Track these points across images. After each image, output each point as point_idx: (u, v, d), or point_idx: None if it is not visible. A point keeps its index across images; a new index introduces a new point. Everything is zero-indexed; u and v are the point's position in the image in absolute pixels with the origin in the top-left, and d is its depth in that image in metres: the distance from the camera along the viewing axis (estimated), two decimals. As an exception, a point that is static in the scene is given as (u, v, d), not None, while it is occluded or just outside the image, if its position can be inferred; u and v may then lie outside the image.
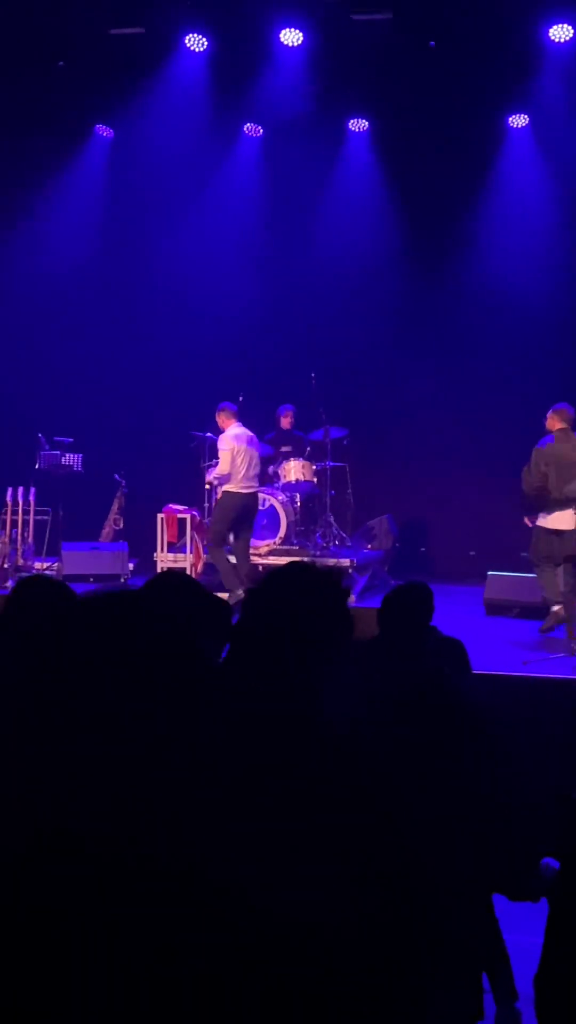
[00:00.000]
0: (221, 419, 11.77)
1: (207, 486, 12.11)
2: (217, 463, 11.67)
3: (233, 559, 11.57)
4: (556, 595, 9.85)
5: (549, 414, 10.41)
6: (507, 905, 4.88)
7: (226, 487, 11.50)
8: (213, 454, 12.83)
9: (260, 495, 12.28)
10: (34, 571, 13.07)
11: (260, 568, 12.50)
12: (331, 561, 12.15)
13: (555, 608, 9.92)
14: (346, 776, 2.35)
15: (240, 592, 10.62)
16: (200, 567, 12.21)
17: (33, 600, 3.59)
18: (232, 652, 3.66)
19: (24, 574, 12.90)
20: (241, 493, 11.51)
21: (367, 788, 2.37)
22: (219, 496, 11.59)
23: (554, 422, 10.23)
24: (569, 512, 9.80)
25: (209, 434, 12.88)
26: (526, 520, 10.39)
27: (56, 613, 3.43)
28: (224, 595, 10.82)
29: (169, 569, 11.98)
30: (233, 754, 2.30)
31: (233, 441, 11.50)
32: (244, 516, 11.69)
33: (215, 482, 11.78)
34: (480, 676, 5.62)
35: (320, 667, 2.41)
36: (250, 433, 11.82)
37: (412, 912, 2.35)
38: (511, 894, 4.82)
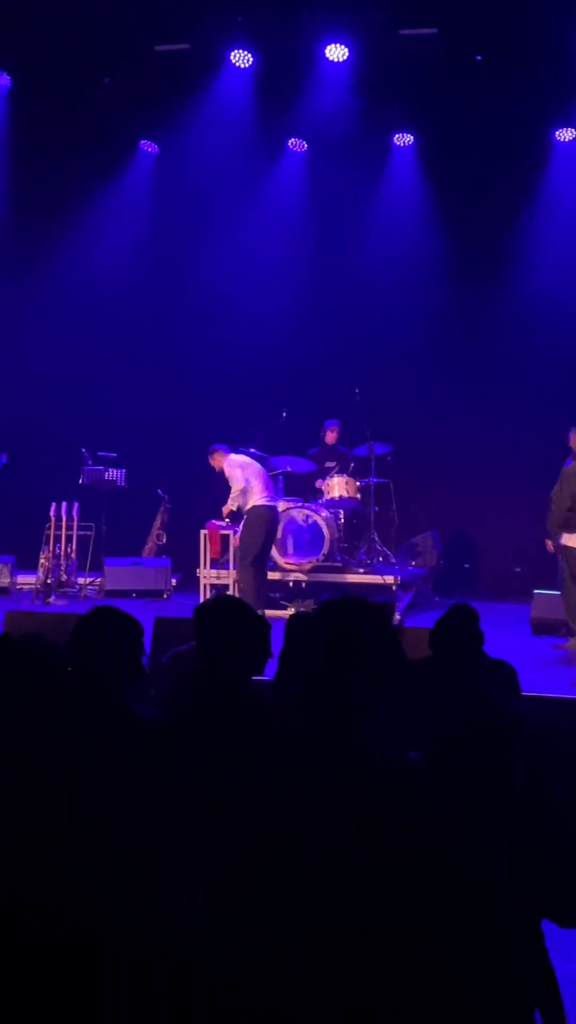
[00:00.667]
0: (216, 459, 11.73)
1: (225, 519, 11.91)
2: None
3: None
4: None
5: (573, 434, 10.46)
6: (556, 932, 4.80)
7: (250, 504, 11.46)
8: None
9: (303, 511, 12.26)
10: (77, 587, 13.12)
11: (303, 584, 12.48)
12: (376, 578, 12.12)
13: None
14: (396, 806, 2.33)
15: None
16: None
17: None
18: (282, 680, 3.64)
19: (68, 590, 12.97)
20: (267, 506, 11.50)
21: (418, 816, 2.35)
22: (246, 516, 11.54)
23: None
24: None
25: (253, 449, 12.85)
26: (548, 544, 10.34)
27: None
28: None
29: (217, 594, 11.96)
30: (286, 786, 2.28)
31: (238, 461, 11.60)
32: (273, 532, 11.70)
33: (234, 507, 11.65)
34: (527, 698, 5.54)
35: (370, 700, 2.40)
36: (249, 458, 11.89)
37: (463, 938, 2.33)
38: (563, 921, 4.74)
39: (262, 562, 11.52)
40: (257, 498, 11.46)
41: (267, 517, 11.47)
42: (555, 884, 4.55)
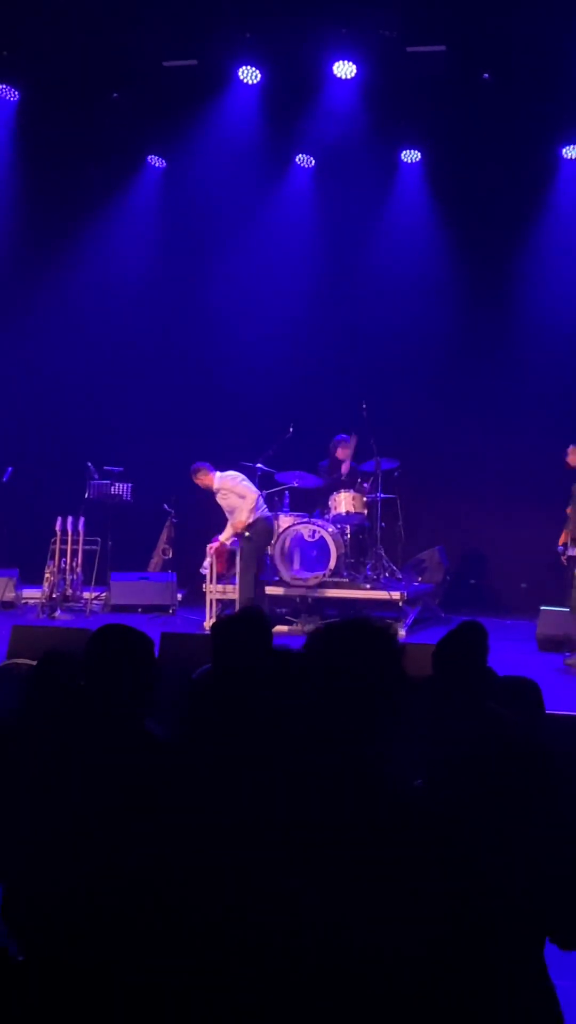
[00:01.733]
0: (200, 478, 11.80)
1: (247, 534, 11.89)
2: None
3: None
4: None
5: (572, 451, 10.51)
6: (555, 949, 4.78)
7: (257, 515, 11.61)
8: (265, 484, 12.83)
9: (311, 526, 12.28)
10: (83, 601, 13.12)
11: (309, 600, 12.46)
12: (382, 594, 12.10)
13: None
14: (403, 825, 2.33)
15: None
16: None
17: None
18: (290, 702, 3.61)
19: (73, 604, 12.96)
20: (268, 518, 11.79)
21: (422, 840, 2.35)
22: (250, 532, 11.60)
23: None
24: None
25: (260, 464, 12.86)
26: (563, 559, 10.36)
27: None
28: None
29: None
30: (296, 807, 2.28)
31: (232, 479, 11.70)
32: (268, 541, 11.88)
33: (251, 520, 11.68)
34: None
35: (375, 720, 2.40)
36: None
37: (470, 955, 2.32)
38: (563, 944, 4.72)
39: (260, 575, 11.70)
40: (257, 510, 11.65)
41: (269, 531, 11.74)
42: (558, 907, 4.54)
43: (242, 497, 11.62)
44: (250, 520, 11.59)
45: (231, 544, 12.04)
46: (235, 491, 11.65)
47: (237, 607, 11.55)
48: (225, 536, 11.79)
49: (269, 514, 11.89)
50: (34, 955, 2.06)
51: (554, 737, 5.12)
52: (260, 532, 11.66)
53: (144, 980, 2.08)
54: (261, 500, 11.80)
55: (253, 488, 11.72)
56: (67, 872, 2.51)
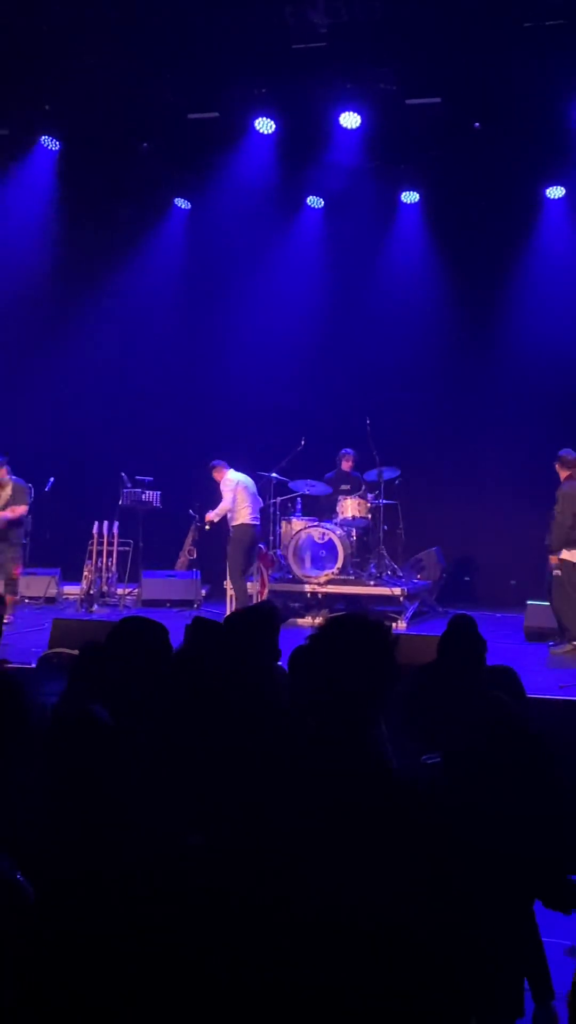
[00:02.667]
0: (216, 473, 12.13)
1: (207, 526, 12.21)
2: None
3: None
4: None
5: (564, 461, 10.47)
6: (543, 908, 4.79)
7: (238, 520, 11.87)
8: (279, 492, 12.87)
9: (320, 529, 12.32)
10: (117, 597, 13.16)
11: (319, 596, 12.49)
12: (385, 590, 12.12)
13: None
14: (402, 797, 2.34)
15: None
16: (265, 594, 12.22)
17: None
18: (294, 687, 3.64)
19: (108, 599, 13.00)
20: (252, 524, 11.95)
21: (426, 806, 2.36)
22: (233, 531, 11.83)
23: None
24: None
25: (275, 473, 12.90)
26: (552, 559, 10.35)
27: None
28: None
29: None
30: (300, 783, 2.30)
31: (234, 481, 11.93)
32: (253, 546, 12.02)
33: (215, 519, 11.97)
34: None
35: (371, 706, 2.42)
36: (248, 477, 12.19)
37: (463, 915, 2.33)
38: (547, 901, 4.73)
39: (247, 573, 11.94)
40: (244, 516, 11.89)
41: (251, 535, 11.95)
42: (546, 867, 4.56)
43: (224, 501, 11.95)
44: (215, 519, 12.06)
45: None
46: (224, 492, 12.00)
47: (231, 597, 11.95)
48: (208, 516, 12.21)
49: (256, 523, 12.06)
50: (46, 899, 2.05)
51: (538, 718, 5.15)
52: (241, 534, 11.90)
53: (146, 928, 2.07)
54: (249, 506, 11.94)
55: (231, 500, 11.90)
56: (85, 841, 2.51)
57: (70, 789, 2.68)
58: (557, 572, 10.32)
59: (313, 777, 2.33)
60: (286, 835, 2.20)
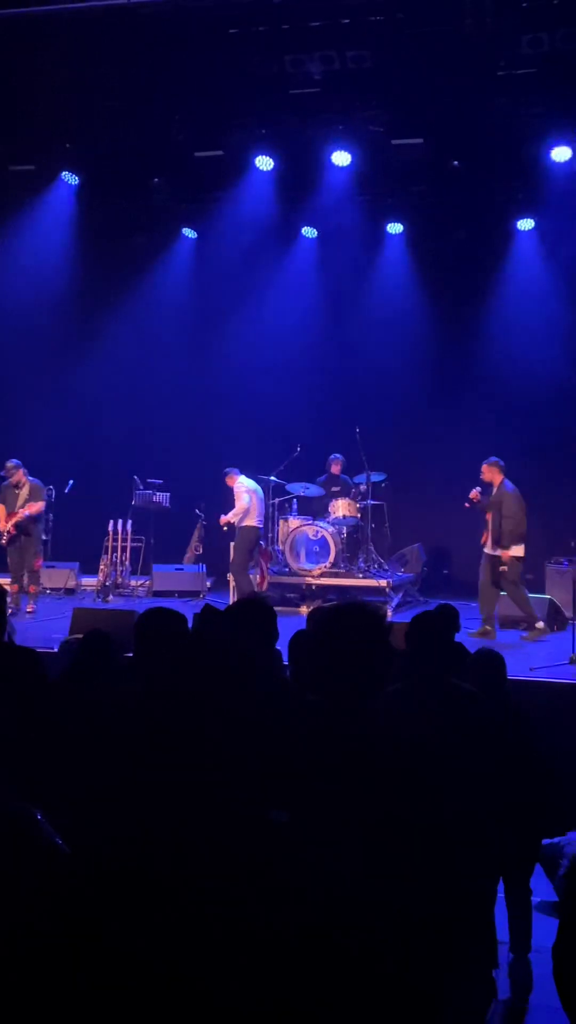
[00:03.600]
0: (228, 479, 12.14)
1: (224, 527, 12.15)
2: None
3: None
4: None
5: (497, 466, 10.57)
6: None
7: (246, 523, 11.87)
8: (276, 493, 12.87)
9: (314, 527, 12.34)
10: (130, 588, 13.16)
11: (313, 587, 12.50)
12: (372, 582, 12.14)
13: (541, 624, 10.01)
14: (389, 771, 2.34)
15: None
16: (265, 585, 12.23)
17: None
18: (297, 667, 3.63)
19: (122, 590, 13.00)
20: (257, 527, 11.98)
21: (408, 782, 2.36)
22: (239, 531, 11.85)
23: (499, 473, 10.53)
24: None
25: (273, 477, 12.90)
26: (504, 554, 10.33)
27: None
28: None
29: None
30: (304, 754, 2.30)
31: (248, 487, 11.95)
32: (256, 546, 12.07)
33: (234, 520, 11.93)
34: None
35: (367, 684, 2.42)
36: (258, 484, 12.23)
37: (439, 872, 2.32)
38: (512, 881, 4.72)
39: (246, 568, 11.98)
40: (252, 519, 11.91)
41: (255, 537, 11.99)
42: (514, 838, 4.55)
43: (239, 502, 11.91)
44: (234, 520, 11.94)
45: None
46: (237, 496, 11.98)
47: (233, 588, 11.96)
48: (223, 519, 12.10)
49: (260, 525, 12.05)
50: (77, 850, 2.04)
51: (516, 697, 5.17)
52: (247, 535, 11.91)
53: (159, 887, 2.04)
54: (257, 510, 11.94)
55: (248, 502, 11.86)
56: (99, 802, 2.51)
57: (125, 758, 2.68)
58: (503, 568, 10.32)
59: (313, 742, 2.34)
60: (293, 794, 2.20)
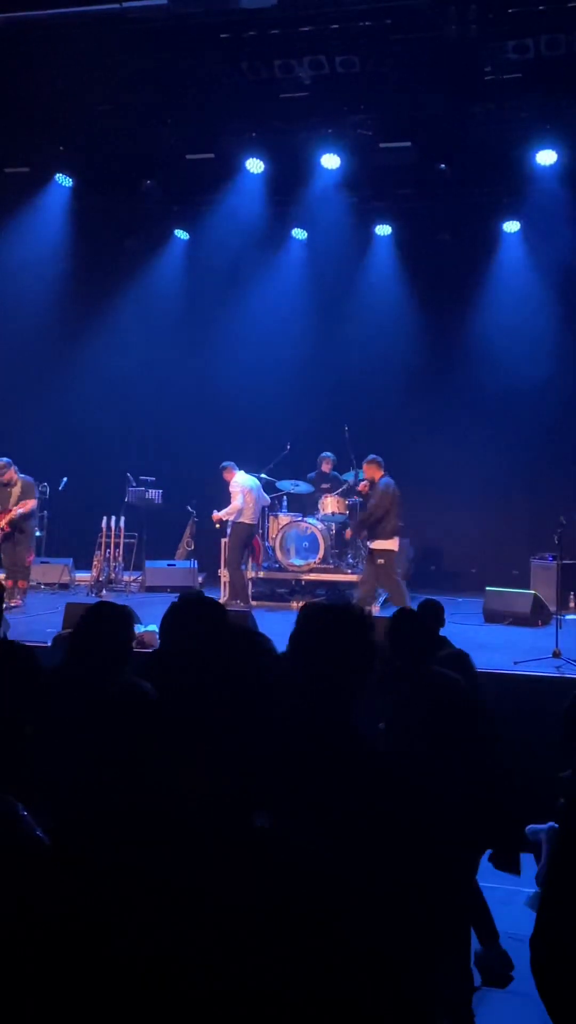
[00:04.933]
0: (226, 474, 12.11)
1: (216, 524, 12.15)
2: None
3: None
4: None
5: (376, 463, 10.81)
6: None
7: (240, 520, 11.84)
8: (267, 490, 12.86)
9: (304, 524, 12.34)
10: (123, 583, 13.14)
11: (303, 582, 12.50)
12: (360, 577, 12.14)
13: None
14: (371, 762, 2.35)
15: (241, 603, 11.31)
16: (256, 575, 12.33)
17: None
18: (289, 662, 3.62)
19: (115, 585, 12.98)
20: (251, 524, 11.95)
21: (390, 773, 2.36)
22: (232, 528, 11.84)
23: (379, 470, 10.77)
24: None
25: (263, 474, 12.89)
26: (377, 544, 10.55)
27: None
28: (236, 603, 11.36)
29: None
30: (288, 743, 2.30)
31: (243, 485, 11.90)
32: (248, 543, 12.02)
33: (226, 518, 11.92)
34: (481, 674, 5.57)
35: (351, 681, 2.43)
36: (256, 481, 12.18)
37: (421, 866, 2.33)
38: (497, 863, 4.74)
39: (239, 564, 11.97)
40: (246, 517, 11.90)
41: (249, 533, 11.96)
42: (495, 827, 4.58)
43: (234, 501, 11.89)
44: (227, 518, 11.92)
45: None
46: (232, 493, 11.95)
47: (225, 584, 12.08)
48: (216, 516, 12.04)
49: (253, 522, 12.01)
50: (58, 843, 2.03)
51: (483, 692, 5.20)
52: (240, 532, 11.90)
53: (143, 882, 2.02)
54: (252, 508, 11.93)
55: (242, 500, 11.85)
56: (85, 791, 2.51)
57: (112, 758, 2.67)
58: (381, 560, 10.53)
59: (296, 739, 2.34)
60: (276, 790, 2.20)
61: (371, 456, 11.02)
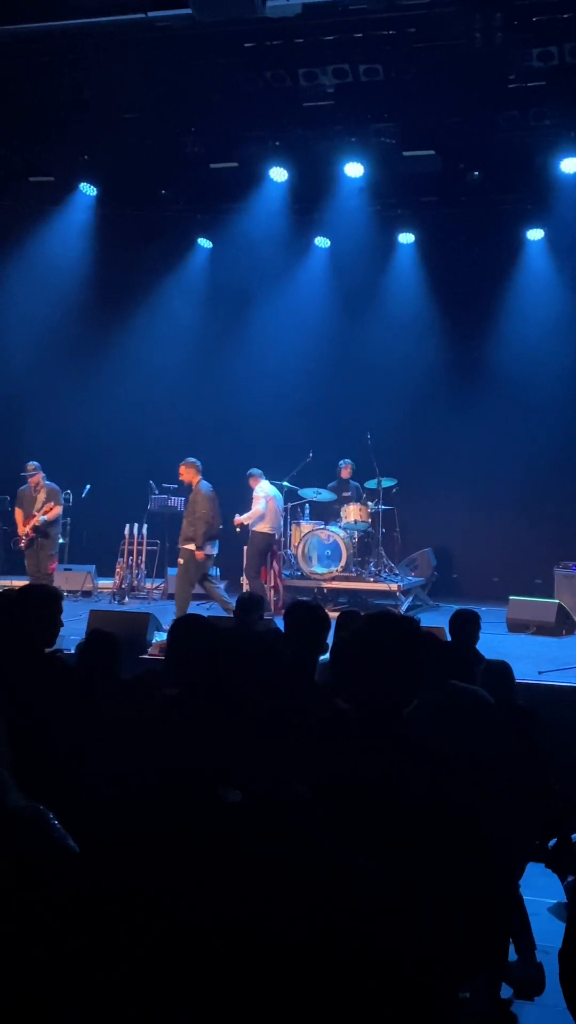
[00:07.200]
0: (251, 481, 12.10)
1: (237, 528, 12.10)
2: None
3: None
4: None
5: (194, 466, 10.65)
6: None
7: (260, 528, 11.83)
8: (289, 498, 12.85)
9: (326, 531, 12.32)
10: (145, 591, 13.15)
11: (325, 591, 12.48)
12: (383, 586, 12.12)
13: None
14: (420, 772, 2.34)
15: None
16: (278, 584, 12.27)
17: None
18: (334, 671, 3.61)
19: (138, 593, 12.99)
20: (271, 534, 11.93)
21: (438, 778, 2.36)
22: (251, 535, 11.80)
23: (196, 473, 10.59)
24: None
25: (286, 482, 12.88)
26: (189, 549, 10.39)
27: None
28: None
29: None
30: (336, 749, 2.30)
31: (267, 492, 11.90)
32: (267, 551, 12.01)
33: (247, 523, 11.89)
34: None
35: (401, 693, 2.43)
36: (278, 492, 12.22)
37: (468, 871, 2.31)
38: (549, 863, 4.71)
39: (259, 573, 11.96)
40: (266, 527, 11.89)
41: (268, 543, 11.96)
42: (543, 832, 4.53)
43: (255, 506, 11.87)
44: (247, 522, 11.90)
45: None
46: (255, 499, 11.96)
47: (245, 590, 11.78)
48: (237, 520, 11.98)
49: (273, 531, 11.98)
50: (87, 850, 2.03)
51: (528, 700, 5.16)
52: (259, 540, 11.89)
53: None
54: (273, 517, 11.90)
55: (264, 509, 11.84)
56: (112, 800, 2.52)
57: (136, 757, 2.68)
58: (181, 561, 10.47)
59: (347, 750, 2.34)
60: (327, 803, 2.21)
61: (188, 459, 10.79)
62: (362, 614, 5.14)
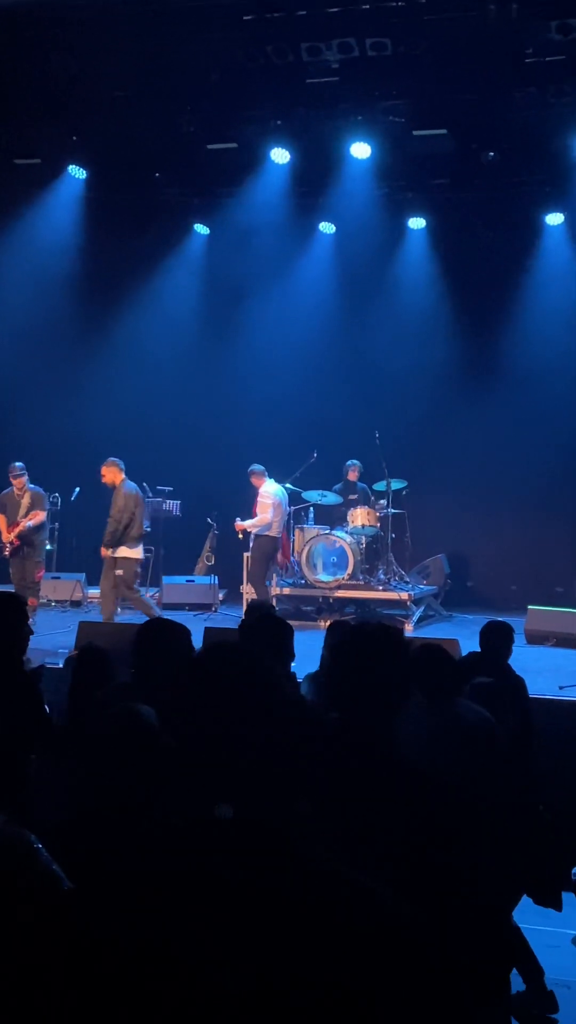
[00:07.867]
0: (255, 479, 12.03)
1: (240, 535, 12.12)
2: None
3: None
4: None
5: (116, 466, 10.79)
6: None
7: (267, 532, 11.84)
8: (292, 501, 12.85)
9: (331, 537, 12.31)
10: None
11: (331, 600, 12.46)
12: (393, 595, 12.11)
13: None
14: (411, 792, 2.35)
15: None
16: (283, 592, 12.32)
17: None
18: (322, 687, 3.62)
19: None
20: (276, 538, 11.97)
21: (427, 801, 2.36)
22: (255, 540, 11.84)
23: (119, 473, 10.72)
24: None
25: (288, 484, 12.88)
26: (107, 553, 10.54)
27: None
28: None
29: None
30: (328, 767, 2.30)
31: (274, 496, 11.88)
32: (273, 556, 12.06)
33: (251, 530, 11.89)
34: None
35: (388, 701, 2.43)
36: (283, 490, 12.21)
37: (460, 900, 2.32)
38: (538, 899, 4.70)
39: (264, 579, 11.98)
40: (271, 531, 11.91)
41: (274, 547, 12.00)
42: (537, 865, 4.54)
43: (263, 509, 11.80)
44: (252, 530, 11.93)
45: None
46: (261, 503, 11.90)
47: (247, 600, 11.86)
48: (240, 525, 12.05)
49: (277, 535, 12.01)
50: (78, 885, 2.02)
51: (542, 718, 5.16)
52: (264, 545, 11.92)
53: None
54: (278, 521, 11.91)
55: (270, 513, 11.81)
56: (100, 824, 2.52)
57: (110, 780, 2.68)
58: (120, 572, 10.53)
59: (335, 760, 2.35)
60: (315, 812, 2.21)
61: (110, 458, 10.91)
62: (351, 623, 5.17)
